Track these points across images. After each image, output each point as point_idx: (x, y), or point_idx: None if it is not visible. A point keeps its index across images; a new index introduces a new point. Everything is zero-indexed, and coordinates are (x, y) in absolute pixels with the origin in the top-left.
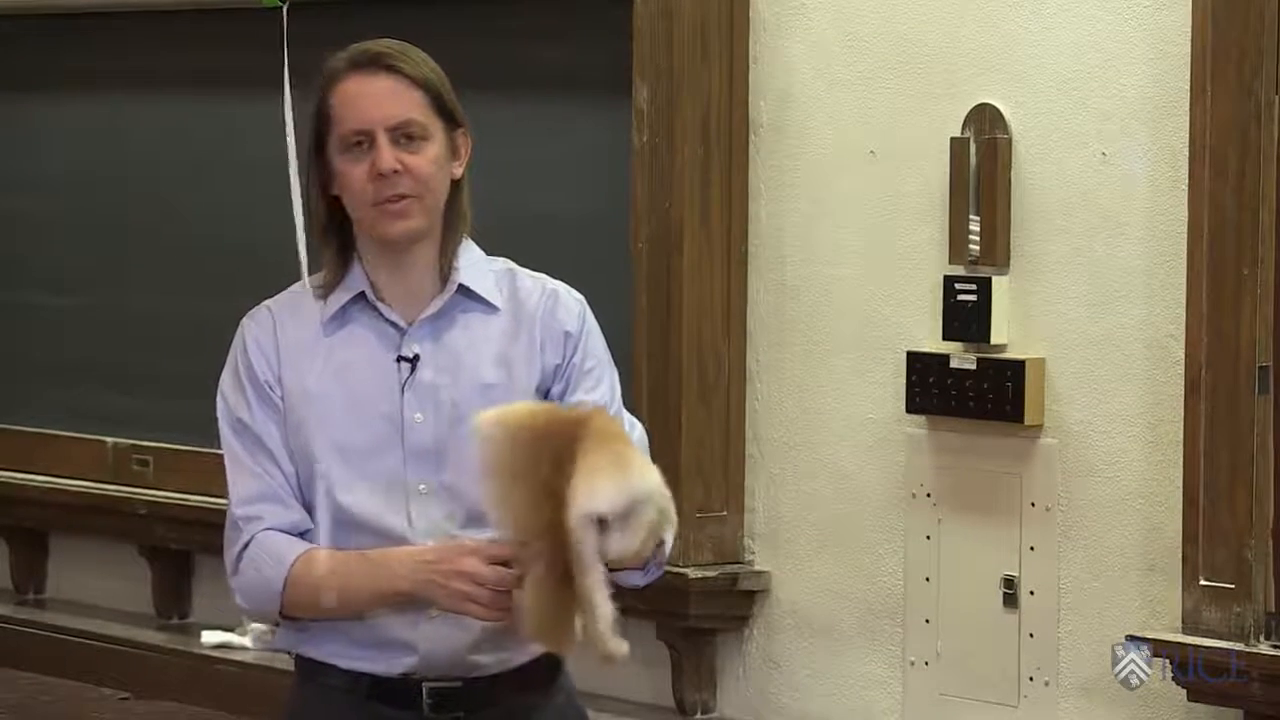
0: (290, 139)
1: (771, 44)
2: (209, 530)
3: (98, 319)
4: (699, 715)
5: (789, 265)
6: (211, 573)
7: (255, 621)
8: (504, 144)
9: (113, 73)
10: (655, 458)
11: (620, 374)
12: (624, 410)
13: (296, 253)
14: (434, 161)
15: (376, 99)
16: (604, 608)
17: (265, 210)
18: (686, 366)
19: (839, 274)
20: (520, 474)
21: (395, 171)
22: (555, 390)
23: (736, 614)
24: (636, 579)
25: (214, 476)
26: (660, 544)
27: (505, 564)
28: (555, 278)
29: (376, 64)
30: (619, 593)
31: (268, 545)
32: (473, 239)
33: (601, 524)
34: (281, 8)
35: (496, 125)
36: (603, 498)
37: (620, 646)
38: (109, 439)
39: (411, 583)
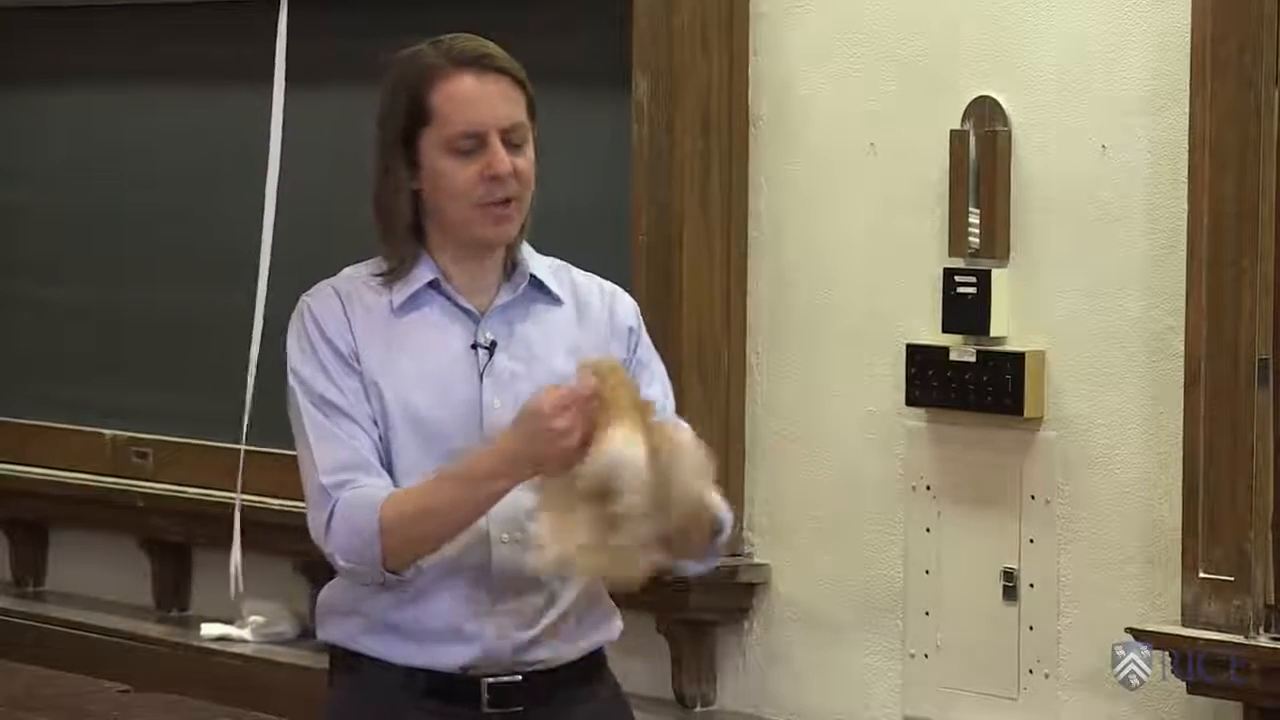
0: (276, 128)
1: (771, 37)
2: (208, 523)
3: (97, 311)
4: (699, 708)
5: (789, 258)
6: (211, 565)
7: (359, 581)
8: None
9: (112, 66)
10: None
11: None
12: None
13: (269, 243)
14: (533, 163)
15: (490, 101)
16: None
17: (264, 203)
18: (686, 359)
19: (839, 267)
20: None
21: (509, 174)
22: None
23: (736, 606)
24: (696, 566)
25: (213, 469)
26: (718, 532)
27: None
28: None
29: (486, 65)
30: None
31: (354, 499)
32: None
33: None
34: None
35: None
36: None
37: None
38: (108, 431)
39: (515, 439)
